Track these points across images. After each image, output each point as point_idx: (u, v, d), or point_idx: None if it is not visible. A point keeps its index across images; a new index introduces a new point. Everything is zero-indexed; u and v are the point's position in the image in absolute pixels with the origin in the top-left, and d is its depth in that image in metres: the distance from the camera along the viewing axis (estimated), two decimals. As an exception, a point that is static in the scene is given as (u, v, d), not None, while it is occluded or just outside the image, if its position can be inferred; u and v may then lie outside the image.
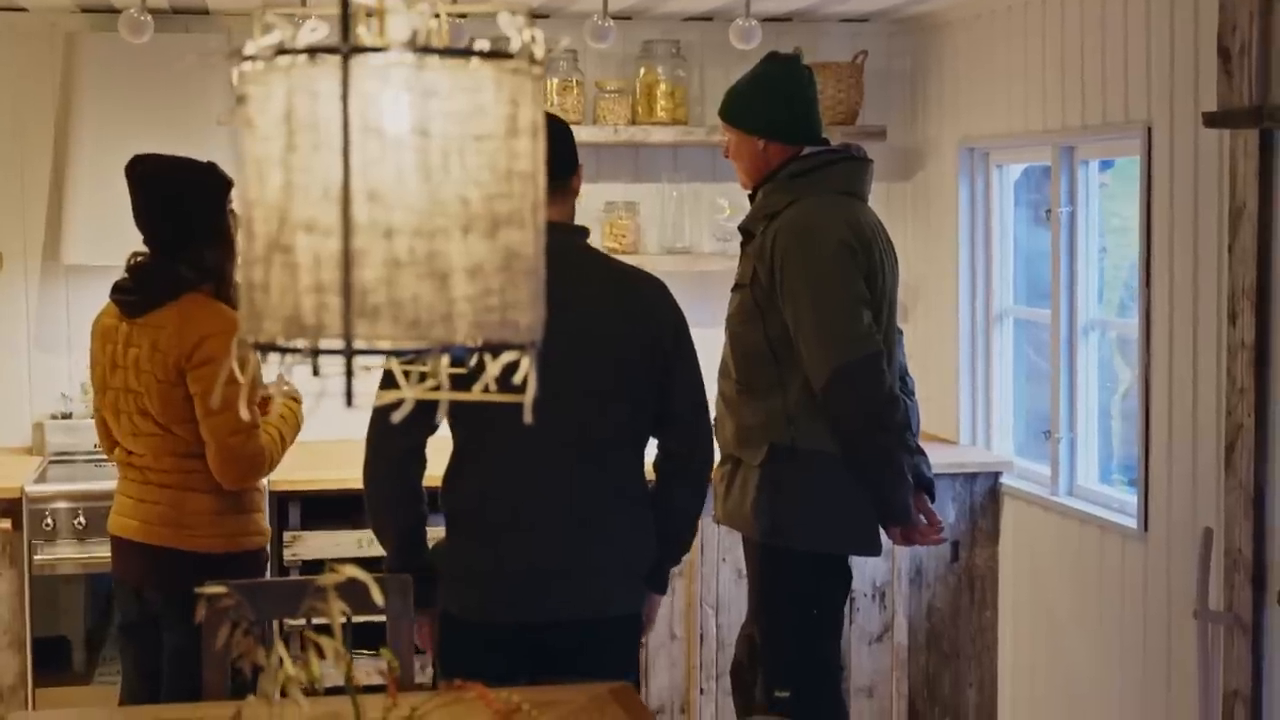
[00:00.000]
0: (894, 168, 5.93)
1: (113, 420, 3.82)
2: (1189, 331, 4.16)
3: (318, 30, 1.67)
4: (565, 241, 3.28)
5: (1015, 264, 5.52)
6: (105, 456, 4.03)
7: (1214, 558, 3.93)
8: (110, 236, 4.78)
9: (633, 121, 5.57)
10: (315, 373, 1.67)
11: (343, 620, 2.02)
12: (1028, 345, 5.54)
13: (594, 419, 3.24)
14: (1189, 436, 4.17)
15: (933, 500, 4.05)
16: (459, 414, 3.21)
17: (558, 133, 3.29)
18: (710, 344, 5.68)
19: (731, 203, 5.72)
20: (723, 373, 3.98)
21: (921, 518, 3.96)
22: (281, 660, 2.03)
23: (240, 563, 3.76)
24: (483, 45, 1.68)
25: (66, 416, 5.34)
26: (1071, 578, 4.83)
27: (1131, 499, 4.52)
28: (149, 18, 4.82)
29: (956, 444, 5.61)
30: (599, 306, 3.25)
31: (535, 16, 5.61)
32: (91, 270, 5.16)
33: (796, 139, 3.91)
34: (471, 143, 1.67)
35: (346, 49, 1.62)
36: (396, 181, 1.64)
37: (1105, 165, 4.92)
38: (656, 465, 3.43)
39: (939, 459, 5.37)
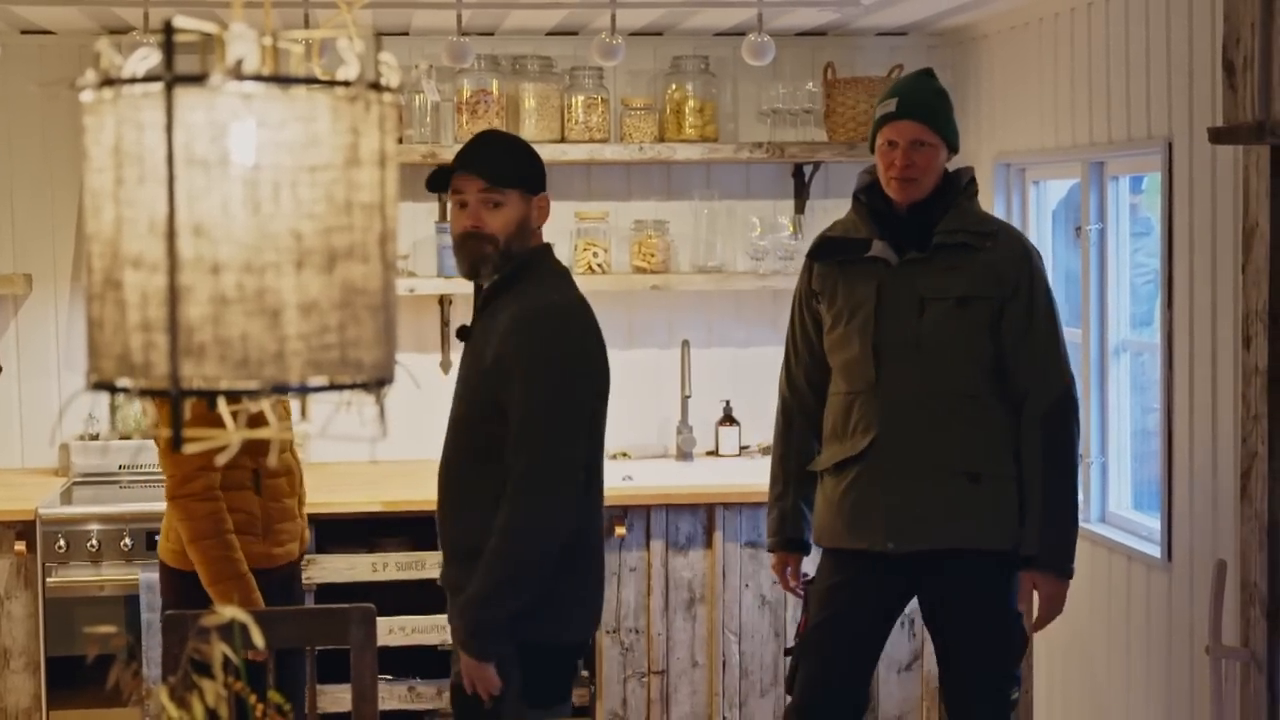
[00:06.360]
0: (932, 184, 5.80)
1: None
2: (1208, 354, 4.01)
3: (149, 59, 1.62)
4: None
5: (1056, 284, 5.35)
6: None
7: (1230, 591, 3.78)
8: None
9: (660, 139, 5.49)
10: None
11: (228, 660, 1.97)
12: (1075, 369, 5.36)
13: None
14: (1209, 463, 4.01)
15: None
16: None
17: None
18: (747, 362, 5.62)
19: (763, 220, 5.62)
20: (938, 389, 3.85)
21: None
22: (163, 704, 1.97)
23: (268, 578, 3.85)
24: (319, 72, 1.62)
25: (94, 438, 5.36)
26: (1101, 608, 4.67)
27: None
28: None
29: (993, 467, 5.45)
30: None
31: (560, 34, 5.56)
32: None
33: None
34: (305, 174, 1.60)
35: (170, 78, 1.57)
36: (223, 215, 1.57)
37: (1136, 184, 4.76)
38: None
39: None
